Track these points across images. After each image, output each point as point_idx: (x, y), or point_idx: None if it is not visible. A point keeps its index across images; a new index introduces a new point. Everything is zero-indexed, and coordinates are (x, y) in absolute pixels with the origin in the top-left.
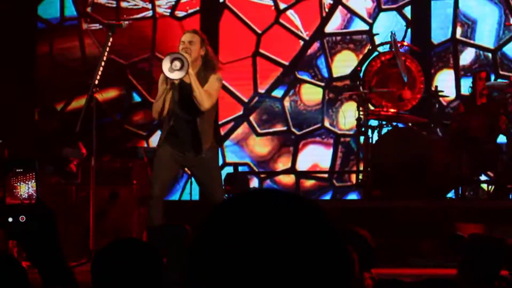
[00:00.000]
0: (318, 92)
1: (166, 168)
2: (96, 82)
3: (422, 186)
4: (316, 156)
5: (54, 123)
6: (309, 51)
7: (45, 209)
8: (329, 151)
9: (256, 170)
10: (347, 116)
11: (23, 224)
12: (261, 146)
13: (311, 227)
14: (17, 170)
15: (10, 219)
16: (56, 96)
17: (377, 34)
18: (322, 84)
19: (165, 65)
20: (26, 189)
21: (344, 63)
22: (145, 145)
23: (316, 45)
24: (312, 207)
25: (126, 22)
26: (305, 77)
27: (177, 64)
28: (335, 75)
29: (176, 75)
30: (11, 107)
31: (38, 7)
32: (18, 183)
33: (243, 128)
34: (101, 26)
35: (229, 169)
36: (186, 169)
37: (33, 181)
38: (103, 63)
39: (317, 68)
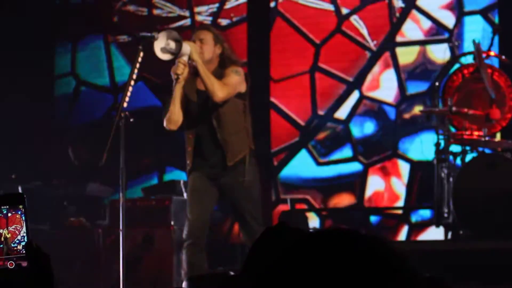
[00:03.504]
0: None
1: (202, 200)
2: (125, 104)
3: None
4: (387, 189)
5: (83, 154)
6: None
7: (38, 254)
8: (403, 182)
9: (317, 206)
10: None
11: (11, 272)
12: (322, 178)
13: (380, 279)
14: (1, 208)
15: None
16: (82, 121)
17: (458, 42)
18: (394, 103)
19: (160, 42)
20: (13, 229)
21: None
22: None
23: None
24: (384, 252)
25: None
26: (374, 95)
27: (172, 45)
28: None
29: (166, 57)
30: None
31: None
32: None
33: (300, 157)
34: (130, 38)
35: (285, 206)
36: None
37: (22, 219)
38: (132, 82)
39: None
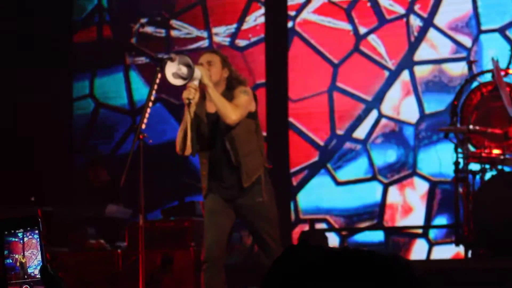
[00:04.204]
0: (407, 131)
1: (219, 221)
2: (143, 126)
3: None
4: (406, 207)
5: (103, 175)
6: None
7: (53, 278)
8: (422, 201)
9: (336, 226)
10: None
11: None
12: (341, 198)
13: None
14: (16, 232)
15: None
16: (100, 142)
17: (476, 61)
18: (413, 121)
19: (171, 67)
20: (30, 254)
21: None
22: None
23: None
24: (403, 272)
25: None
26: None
27: (184, 71)
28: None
29: (178, 82)
30: (47, 153)
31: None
32: (17, 247)
33: (319, 177)
34: (148, 60)
35: (304, 226)
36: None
37: (38, 243)
38: (150, 104)
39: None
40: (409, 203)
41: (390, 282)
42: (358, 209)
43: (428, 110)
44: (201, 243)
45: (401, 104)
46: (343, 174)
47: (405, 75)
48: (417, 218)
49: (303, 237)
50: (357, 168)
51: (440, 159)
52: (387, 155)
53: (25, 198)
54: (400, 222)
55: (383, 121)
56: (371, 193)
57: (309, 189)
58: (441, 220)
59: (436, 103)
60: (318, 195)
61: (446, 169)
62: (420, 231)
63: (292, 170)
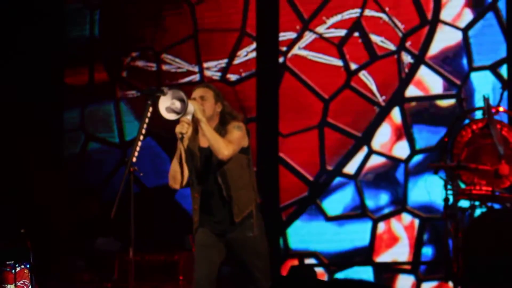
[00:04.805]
0: (397, 167)
1: (209, 255)
2: (134, 159)
3: None
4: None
5: (94, 208)
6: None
7: None
8: (411, 237)
9: (326, 261)
10: (429, 186)
11: None
12: (331, 233)
13: None
14: (7, 263)
15: None
16: (91, 176)
17: (467, 98)
18: (403, 158)
19: (164, 101)
20: (21, 285)
21: None
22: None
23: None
24: None
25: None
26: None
27: (177, 105)
28: None
29: (171, 116)
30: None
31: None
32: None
33: (309, 212)
34: (139, 93)
35: (293, 261)
36: None
37: (29, 274)
38: (141, 137)
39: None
40: (399, 239)
41: None
42: (347, 244)
43: (418, 144)
44: (191, 277)
45: (391, 140)
46: (333, 209)
47: (395, 111)
48: (405, 253)
49: (292, 272)
50: (346, 203)
51: (429, 191)
52: (377, 191)
53: (15, 230)
54: (389, 257)
55: (373, 157)
56: (360, 228)
57: (298, 224)
58: (427, 250)
59: (427, 136)
60: (308, 230)
61: (436, 198)
62: (408, 266)
63: (282, 205)
